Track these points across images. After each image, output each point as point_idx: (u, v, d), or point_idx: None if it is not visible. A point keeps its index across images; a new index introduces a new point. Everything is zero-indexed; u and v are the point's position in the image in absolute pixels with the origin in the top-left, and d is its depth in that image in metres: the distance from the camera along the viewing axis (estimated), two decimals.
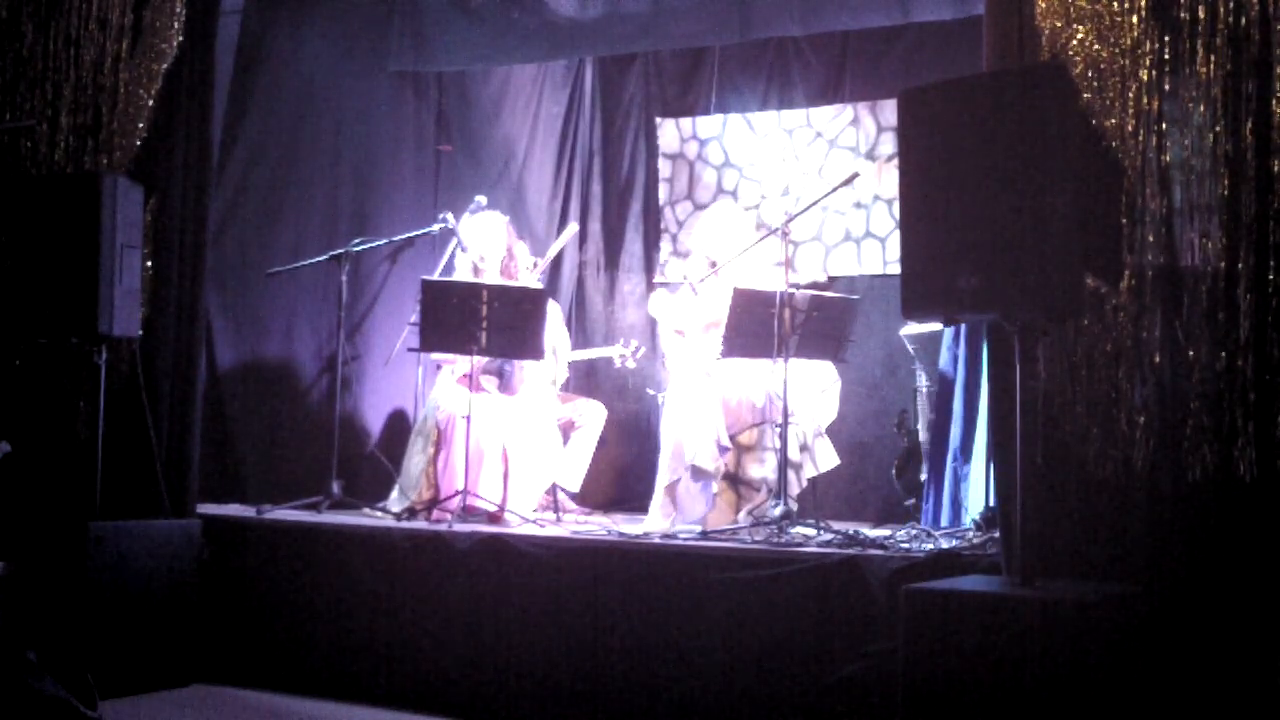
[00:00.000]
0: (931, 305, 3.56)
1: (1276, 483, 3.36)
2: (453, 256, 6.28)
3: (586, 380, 7.04)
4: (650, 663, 4.37)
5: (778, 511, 4.83)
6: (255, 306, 6.30)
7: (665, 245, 7.11)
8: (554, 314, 6.34)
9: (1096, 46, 3.69)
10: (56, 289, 4.69)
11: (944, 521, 5.05)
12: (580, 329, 7.24)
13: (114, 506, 4.83)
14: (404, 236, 6.44)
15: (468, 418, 5.43)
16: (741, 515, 5.17)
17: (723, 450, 5.18)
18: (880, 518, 5.86)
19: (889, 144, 6.50)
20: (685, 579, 4.37)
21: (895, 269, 5.36)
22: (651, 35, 6.14)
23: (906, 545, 4.41)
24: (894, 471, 5.78)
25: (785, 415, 4.98)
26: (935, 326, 5.21)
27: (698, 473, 5.18)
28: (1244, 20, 3.47)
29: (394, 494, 5.81)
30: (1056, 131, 3.32)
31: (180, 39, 5.24)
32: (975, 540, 4.41)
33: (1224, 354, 3.45)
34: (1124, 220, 3.63)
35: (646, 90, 7.31)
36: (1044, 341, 3.65)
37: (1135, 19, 3.64)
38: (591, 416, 6.21)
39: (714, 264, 5.57)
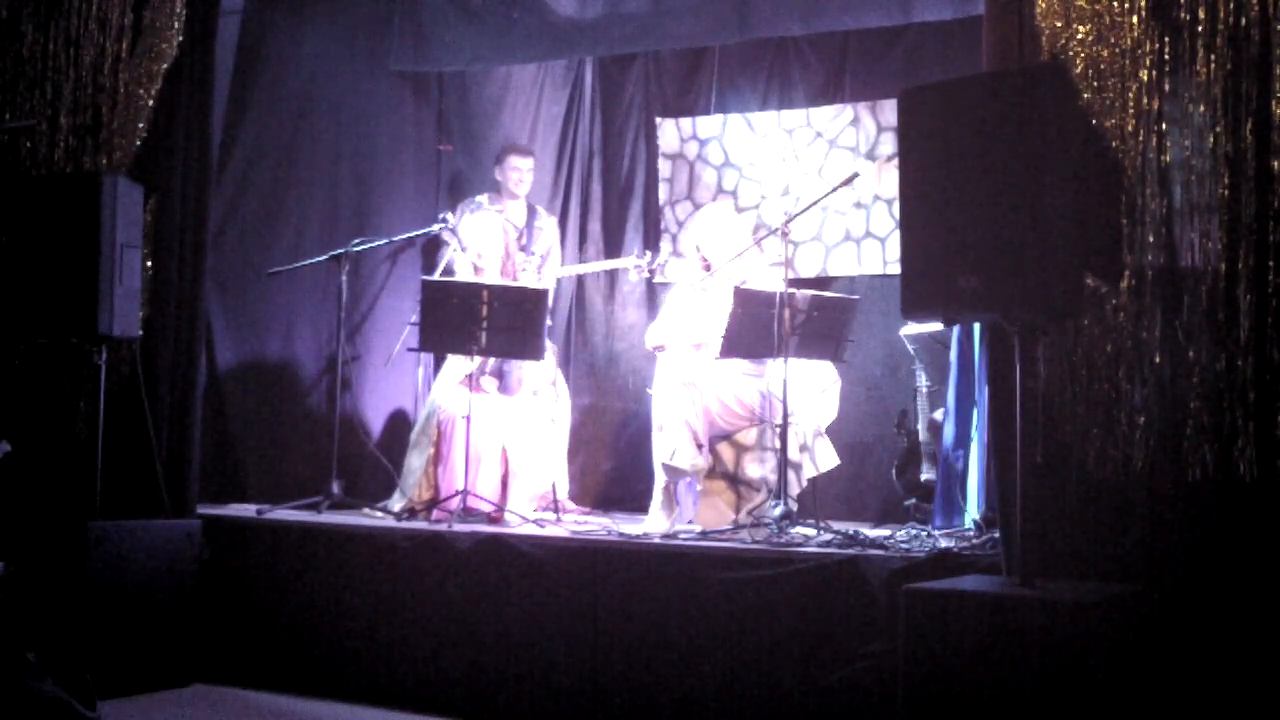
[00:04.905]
0: (931, 305, 3.56)
1: (1276, 483, 3.36)
2: (446, 255, 6.27)
3: (587, 380, 7.04)
4: (650, 663, 4.37)
5: (778, 511, 4.83)
6: (255, 306, 6.31)
7: (665, 245, 7.11)
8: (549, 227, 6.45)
9: (1096, 46, 3.70)
10: (56, 289, 4.70)
11: (939, 518, 5.04)
12: (580, 329, 7.24)
13: (114, 506, 4.83)
14: (404, 236, 6.44)
15: (468, 418, 5.43)
16: (741, 515, 5.17)
17: (700, 449, 5.19)
18: (880, 518, 5.86)
19: (889, 144, 6.49)
20: (685, 579, 4.37)
21: (895, 269, 5.35)
22: (651, 35, 6.13)
23: (906, 545, 4.40)
24: (894, 471, 5.77)
25: (785, 415, 4.98)
26: (935, 326, 5.20)
27: (672, 472, 5.19)
28: (1244, 20, 3.47)
29: (394, 494, 5.82)
30: (1056, 131, 3.32)
31: (180, 39, 5.25)
32: (975, 540, 4.41)
33: (1224, 354, 3.45)
34: (1124, 220, 3.63)
35: (646, 90, 7.30)
36: (1044, 341, 3.65)
37: (1135, 19, 3.64)
38: (560, 410, 6.19)
39: (706, 262, 5.58)
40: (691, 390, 5.24)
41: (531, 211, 6.50)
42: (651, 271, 6.67)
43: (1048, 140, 3.30)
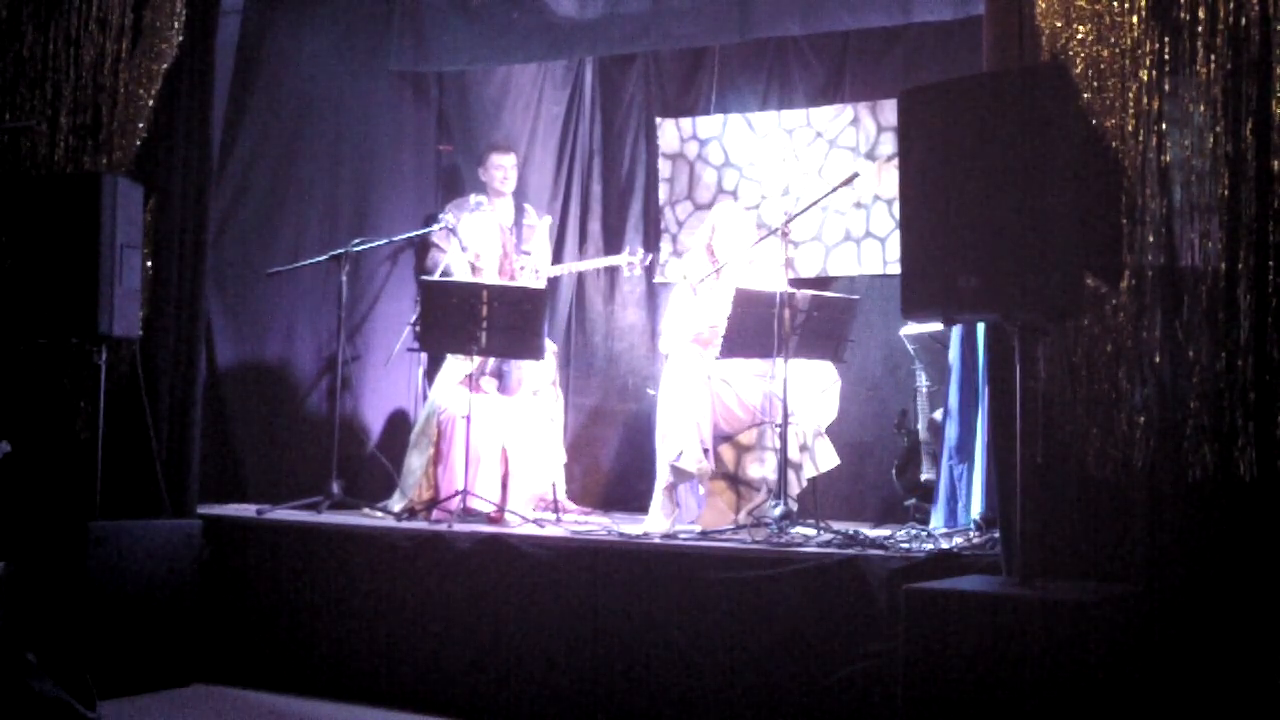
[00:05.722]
0: (931, 305, 3.56)
1: (1276, 483, 3.36)
2: (443, 263, 6.27)
3: (587, 380, 7.03)
4: (650, 663, 4.37)
5: (778, 511, 4.83)
6: (255, 306, 6.30)
7: (665, 245, 7.11)
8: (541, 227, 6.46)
9: (1096, 46, 3.69)
10: (56, 289, 4.70)
11: (941, 520, 5.04)
12: (580, 329, 7.24)
13: (114, 506, 4.83)
14: (404, 236, 6.45)
15: (468, 418, 5.43)
16: (741, 515, 5.17)
17: (706, 453, 5.18)
18: (880, 518, 5.86)
19: (889, 144, 6.49)
20: (685, 579, 4.37)
21: (895, 269, 5.36)
22: (651, 35, 6.14)
23: (906, 545, 4.40)
24: (894, 471, 5.78)
25: (785, 415, 4.98)
26: (935, 326, 5.21)
27: (679, 473, 5.19)
28: (1244, 20, 3.47)
29: (394, 494, 5.82)
30: (1056, 131, 3.32)
31: (180, 39, 5.25)
32: (975, 540, 4.41)
33: (1224, 354, 3.44)
34: (1124, 220, 3.63)
35: (646, 90, 7.30)
36: (1044, 341, 3.65)
37: (1135, 19, 3.63)
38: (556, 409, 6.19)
39: (714, 257, 5.58)
40: (701, 392, 5.24)
41: (519, 210, 6.51)
42: (647, 270, 6.67)
43: (1048, 140, 3.30)
